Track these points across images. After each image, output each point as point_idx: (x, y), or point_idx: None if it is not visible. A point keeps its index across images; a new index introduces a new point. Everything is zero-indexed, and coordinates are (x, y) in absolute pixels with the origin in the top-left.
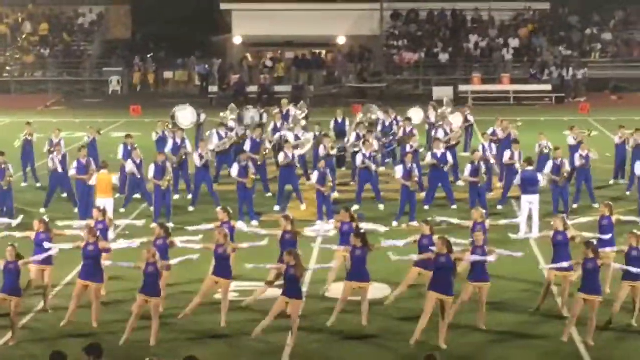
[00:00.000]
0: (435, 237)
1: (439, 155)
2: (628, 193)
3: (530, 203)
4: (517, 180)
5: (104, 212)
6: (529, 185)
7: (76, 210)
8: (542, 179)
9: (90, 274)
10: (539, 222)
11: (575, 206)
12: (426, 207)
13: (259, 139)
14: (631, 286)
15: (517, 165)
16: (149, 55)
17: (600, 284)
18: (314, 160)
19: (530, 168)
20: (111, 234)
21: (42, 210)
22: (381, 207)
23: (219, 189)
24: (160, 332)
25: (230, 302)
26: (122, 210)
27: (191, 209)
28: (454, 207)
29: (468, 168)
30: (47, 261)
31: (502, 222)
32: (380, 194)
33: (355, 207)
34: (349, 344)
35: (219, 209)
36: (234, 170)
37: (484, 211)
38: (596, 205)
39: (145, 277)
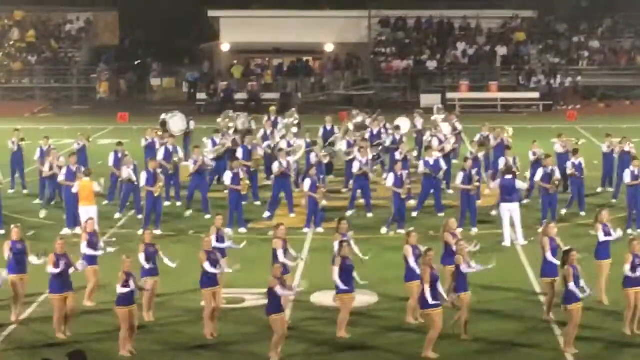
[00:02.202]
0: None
1: (431, 163)
2: (614, 201)
3: (509, 211)
4: (495, 185)
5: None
6: (508, 193)
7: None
8: (522, 184)
9: (64, 286)
10: (522, 229)
11: (582, 214)
12: (414, 214)
13: (250, 146)
14: (635, 292)
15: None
16: (136, 62)
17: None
18: (307, 167)
19: (508, 177)
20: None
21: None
22: (369, 215)
23: (211, 195)
24: (146, 342)
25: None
26: (118, 215)
27: (188, 213)
28: (441, 214)
29: (460, 176)
30: (23, 270)
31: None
32: (370, 201)
33: (349, 213)
34: (335, 352)
35: (219, 216)
36: (227, 177)
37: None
38: (583, 214)
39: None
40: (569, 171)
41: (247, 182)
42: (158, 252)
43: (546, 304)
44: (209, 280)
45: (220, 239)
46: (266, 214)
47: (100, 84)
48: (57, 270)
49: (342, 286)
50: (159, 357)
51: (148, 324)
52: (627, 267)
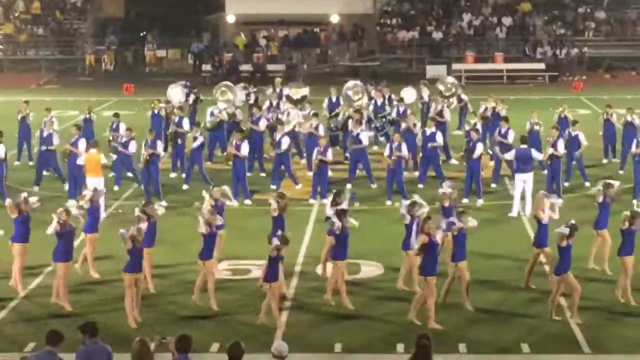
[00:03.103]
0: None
1: (427, 134)
2: (621, 172)
3: (523, 182)
4: (511, 155)
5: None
6: (523, 163)
7: (66, 187)
8: (538, 155)
9: (69, 254)
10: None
11: (566, 184)
12: (420, 186)
13: (253, 118)
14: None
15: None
16: (142, 34)
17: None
18: (306, 140)
19: (524, 146)
20: (102, 213)
21: (36, 189)
22: (373, 186)
23: (214, 167)
24: (151, 313)
25: (223, 280)
26: (116, 188)
27: (185, 187)
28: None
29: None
30: (27, 239)
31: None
32: (371, 172)
33: (348, 186)
34: (340, 323)
35: (215, 188)
36: (229, 148)
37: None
38: (588, 184)
39: (129, 255)
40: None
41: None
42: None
43: (526, 273)
44: (209, 252)
45: (219, 209)
46: (272, 186)
47: (89, 57)
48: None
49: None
50: (163, 328)
51: (151, 295)
52: None
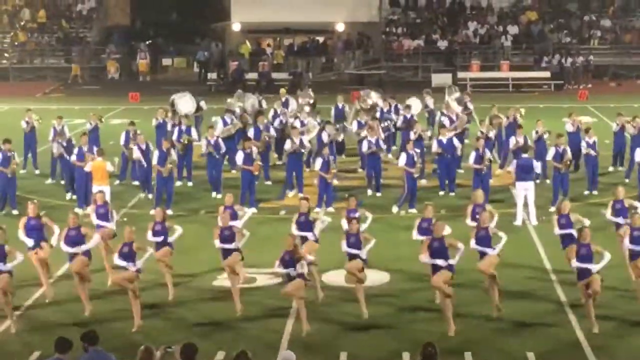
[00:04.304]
0: (433, 221)
1: (444, 142)
2: (627, 180)
3: (525, 190)
4: (512, 166)
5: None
6: (525, 172)
7: (71, 197)
8: (538, 167)
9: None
10: (535, 209)
11: (595, 193)
12: (441, 193)
13: (262, 126)
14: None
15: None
16: (147, 42)
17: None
18: (318, 147)
19: (525, 155)
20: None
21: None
22: (378, 194)
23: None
24: (156, 321)
25: (229, 288)
26: (150, 196)
27: (215, 195)
28: (452, 194)
29: (472, 155)
30: (37, 245)
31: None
32: (380, 181)
33: (369, 193)
34: (346, 331)
35: (228, 194)
36: (239, 157)
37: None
38: (595, 193)
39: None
40: (584, 150)
41: (259, 162)
42: (168, 228)
43: None
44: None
45: (232, 216)
46: (290, 193)
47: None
48: (67, 247)
49: (350, 251)
50: (170, 335)
51: (156, 304)
52: (626, 240)
